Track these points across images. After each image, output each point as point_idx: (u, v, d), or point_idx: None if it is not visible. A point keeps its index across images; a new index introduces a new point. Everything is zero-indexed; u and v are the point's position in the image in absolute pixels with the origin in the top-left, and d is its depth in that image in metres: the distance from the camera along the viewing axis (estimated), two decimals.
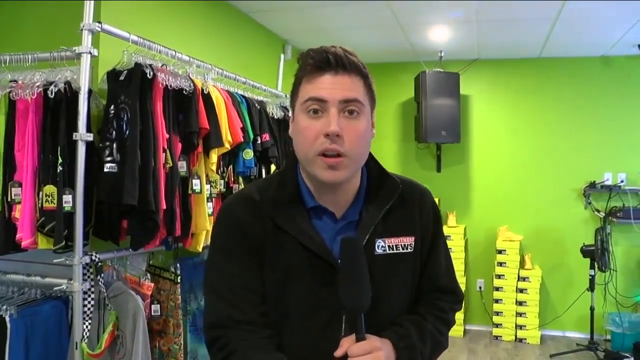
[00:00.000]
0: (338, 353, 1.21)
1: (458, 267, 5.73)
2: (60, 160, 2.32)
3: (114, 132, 2.41)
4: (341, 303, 1.23)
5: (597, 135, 5.85)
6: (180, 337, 2.81)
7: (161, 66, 2.68)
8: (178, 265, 2.89)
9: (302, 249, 1.29)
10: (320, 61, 1.26)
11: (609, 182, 5.73)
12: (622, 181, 5.71)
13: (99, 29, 2.39)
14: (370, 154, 1.39)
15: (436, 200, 5.55)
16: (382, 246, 1.34)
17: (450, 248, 5.33)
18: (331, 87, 1.25)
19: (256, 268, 1.32)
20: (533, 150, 6.01)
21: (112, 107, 2.45)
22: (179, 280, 2.85)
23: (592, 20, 4.75)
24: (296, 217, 1.32)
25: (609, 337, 5.48)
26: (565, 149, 5.92)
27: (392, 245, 1.36)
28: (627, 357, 4.89)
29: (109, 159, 2.39)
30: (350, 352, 1.19)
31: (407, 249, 1.38)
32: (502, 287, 5.70)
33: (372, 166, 1.41)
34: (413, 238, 1.39)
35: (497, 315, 5.73)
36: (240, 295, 1.31)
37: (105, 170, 2.37)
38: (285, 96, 4.43)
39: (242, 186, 3.37)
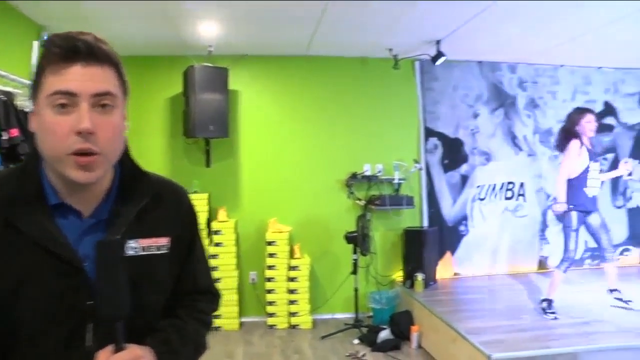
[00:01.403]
0: None
1: (230, 261, 5.81)
2: None
3: None
4: (98, 312, 1.12)
5: (358, 129, 6.34)
6: None
7: None
8: None
9: (41, 252, 1.14)
10: (68, 50, 1.11)
11: (368, 173, 6.22)
12: (379, 172, 6.25)
13: None
14: (125, 149, 1.28)
15: (206, 195, 5.52)
16: (134, 247, 1.25)
17: (222, 242, 5.36)
18: (81, 80, 1.12)
19: None
20: (300, 144, 6.28)
21: None
22: None
23: (352, 24, 5.11)
24: (36, 216, 1.17)
25: (371, 313, 5.95)
26: (329, 142, 6.30)
27: (146, 246, 1.27)
28: (384, 328, 5.38)
29: None
30: None
31: (162, 249, 1.30)
32: (274, 278, 5.88)
33: (126, 162, 1.30)
34: (169, 239, 1.32)
35: (271, 305, 5.90)
36: None
37: None
38: None
39: None
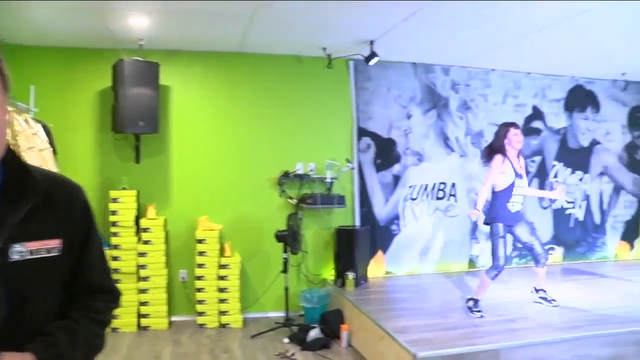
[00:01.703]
0: None
1: (159, 259, 5.69)
2: None
3: None
4: None
5: (291, 127, 6.32)
6: None
7: None
8: None
9: None
10: None
11: (300, 172, 6.21)
12: (311, 170, 6.25)
13: None
14: (8, 146, 1.19)
15: (135, 192, 5.36)
16: (21, 251, 1.17)
17: (151, 240, 5.25)
18: None
19: None
20: (232, 141, 6.20)
21: None
22: None
23: (284, 22, 5.09)
24: None
25: (302, 312, 5.94)
26: (261, 140, 6.24)
27: (34, 250, 1.19)
28: (314, 327, 5.38)
29: None
30: None
31: (53, 252, 1.23)
32: (203, 276, 5.80)
33: (10, 160, 1.21)
34: (60, 240, 1.25)
35: (201, 303, 5.81)
36: None
37: None
38: None
39: None
